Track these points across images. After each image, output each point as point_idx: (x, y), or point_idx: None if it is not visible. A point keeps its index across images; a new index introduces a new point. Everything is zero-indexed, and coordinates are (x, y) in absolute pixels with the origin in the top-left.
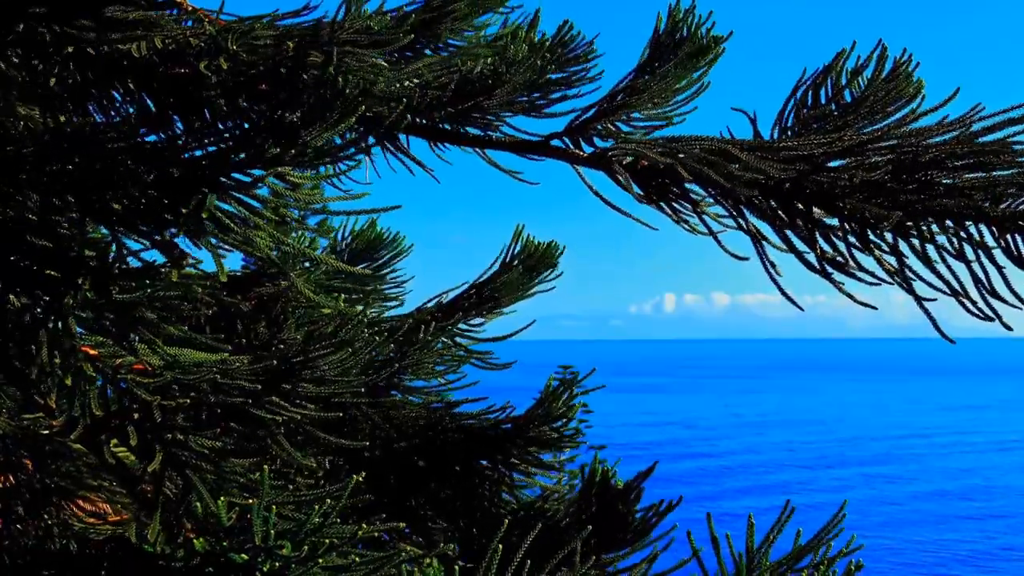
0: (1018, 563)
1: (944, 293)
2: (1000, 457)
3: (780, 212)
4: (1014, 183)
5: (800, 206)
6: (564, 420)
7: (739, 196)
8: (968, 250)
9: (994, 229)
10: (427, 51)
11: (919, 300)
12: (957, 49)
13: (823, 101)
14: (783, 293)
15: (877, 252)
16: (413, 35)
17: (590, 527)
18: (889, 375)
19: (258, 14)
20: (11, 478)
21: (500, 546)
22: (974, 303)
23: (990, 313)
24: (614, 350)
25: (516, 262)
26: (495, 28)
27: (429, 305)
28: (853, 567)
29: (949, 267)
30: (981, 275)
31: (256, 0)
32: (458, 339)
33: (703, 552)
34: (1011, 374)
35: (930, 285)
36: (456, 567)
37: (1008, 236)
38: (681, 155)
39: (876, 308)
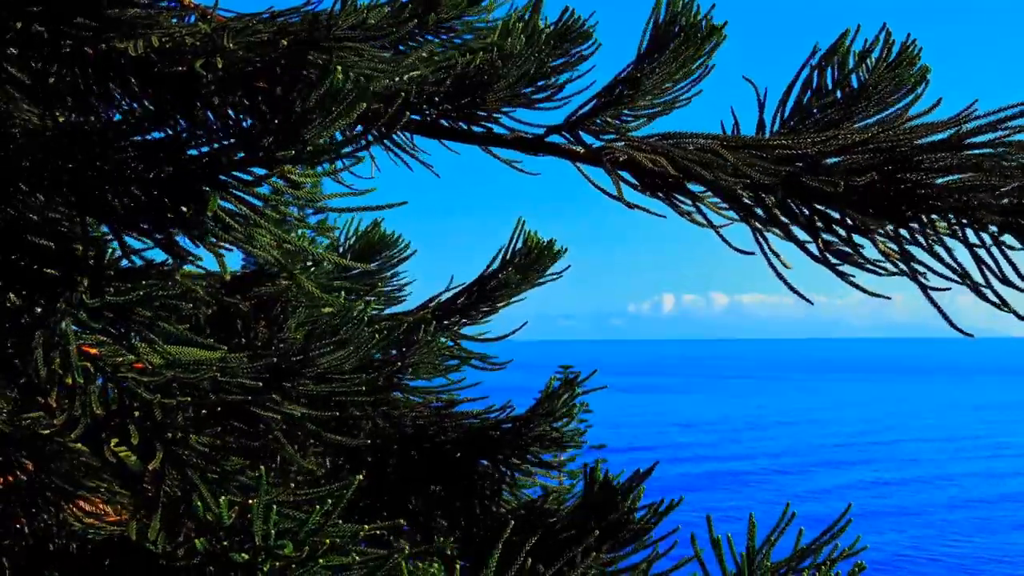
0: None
1: (955, 282)
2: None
3: (776, 210)
4: (1008, 183)
5: (797, 201)
6: (565, 420)
7: (733, 195)
8: (972, 236)
9: (992, 228)
10: (427, 36)
11: (926, 291)
12: (958, 48)
13: (830, 84)
14: (790, 287)
15: (881, 243)
16: (414, 21)
17: (591, 525)
18: (889, 375)
19: (255, 12)
20: (10, 478)
21: (500, 547)
22: (984, 290)
23: (996, 299)
24: (613, 350)
25: (517, 258)
26: (500, 12)
27: (429, 304)
28: (857, 570)
29: (954, 257)
30: (991, 262)
31: None
32: (458, 338)
33: (704, 553)
34: (1014, 375)
35: (938, 274)
36: (456, 566)
37: (1008, 234)
38: (671, 154)
39: (889, 298)
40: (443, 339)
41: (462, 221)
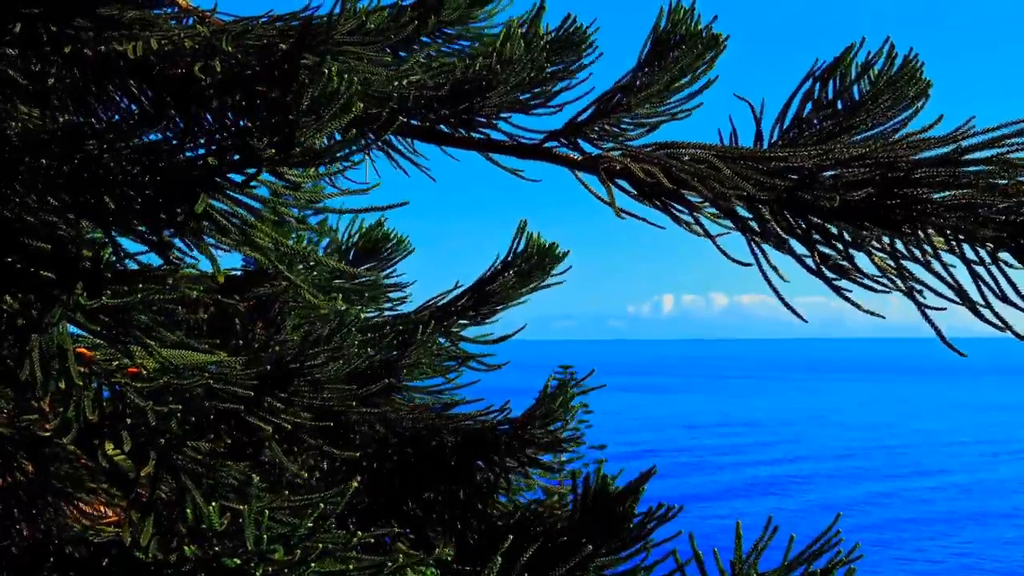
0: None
1: (952, 301)
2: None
3: (772, 224)
4: (1004, 201)
5: (793, 215)
6: (563, 422)
7: (729, 208)
8: (970, 252)
9: (989, 245)
10: (425, 39)
11: (922, 309)
12: (958, 56)
13: (831, 96)
14: (784, 303)
15: (877, 257)
16: (414, 25)
17: (587, 530)
18: (888, 375)
19: (254, 15)
20: (9, 478)
21: (499, 559)
22: (982, 309)
23: (995, 320)
24: (613, 350)
25: (519, 260)
26: (503, 16)
27: (428, 305)
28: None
29: (952, 274)
30: (989, 279)
31: None
32: (456, 340)
33: (704, 557)
34: (1013, 375)
35: (935, 292)
36: (455, 567)
37: (1004, 252)
38: (666, 165)
39: (884, 317)
40: (442, 340)
41: (463, 224)
